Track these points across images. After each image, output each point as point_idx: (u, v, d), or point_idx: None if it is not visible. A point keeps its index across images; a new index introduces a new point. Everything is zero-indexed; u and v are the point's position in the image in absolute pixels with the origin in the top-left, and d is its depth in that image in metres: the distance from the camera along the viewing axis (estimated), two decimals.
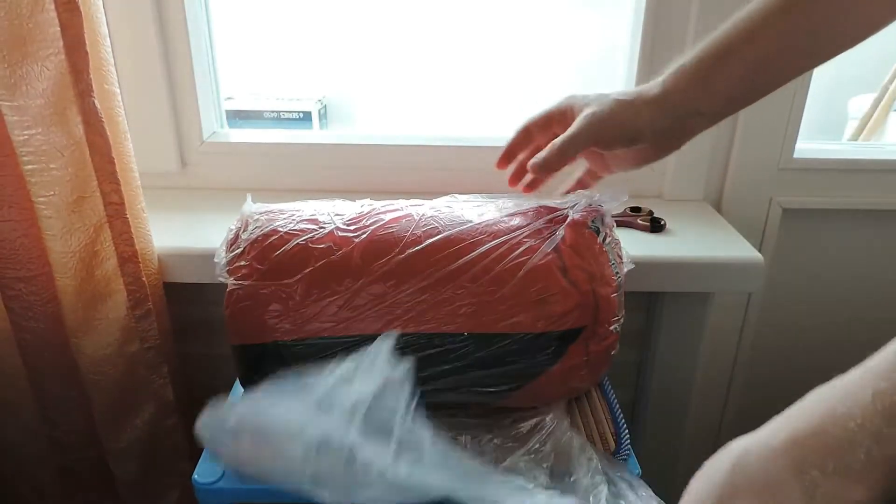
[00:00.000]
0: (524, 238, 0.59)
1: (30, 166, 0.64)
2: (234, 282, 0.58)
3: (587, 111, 0.60)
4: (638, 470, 0.60)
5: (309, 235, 0.59)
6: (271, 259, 0.58)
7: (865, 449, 0.32)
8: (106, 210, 0.70)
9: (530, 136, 0.67)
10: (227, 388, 0.72)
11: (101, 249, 0.71)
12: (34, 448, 0.81)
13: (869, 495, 0.32)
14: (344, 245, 0.58)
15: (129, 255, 0.73)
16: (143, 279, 0.75)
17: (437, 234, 0.59)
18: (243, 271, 0.58)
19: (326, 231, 0.59)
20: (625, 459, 0.61)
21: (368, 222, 0.60)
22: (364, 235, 0.59)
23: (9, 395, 0.76)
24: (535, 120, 0.66)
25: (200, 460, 0.61)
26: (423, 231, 0.59)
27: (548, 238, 0.60)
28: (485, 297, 0.57)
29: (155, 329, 0.78)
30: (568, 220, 0.61)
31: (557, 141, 0.60)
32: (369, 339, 0.56)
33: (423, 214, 0.62)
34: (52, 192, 0.66)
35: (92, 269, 0.71)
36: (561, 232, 0.60)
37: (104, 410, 0.77)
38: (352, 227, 0.60)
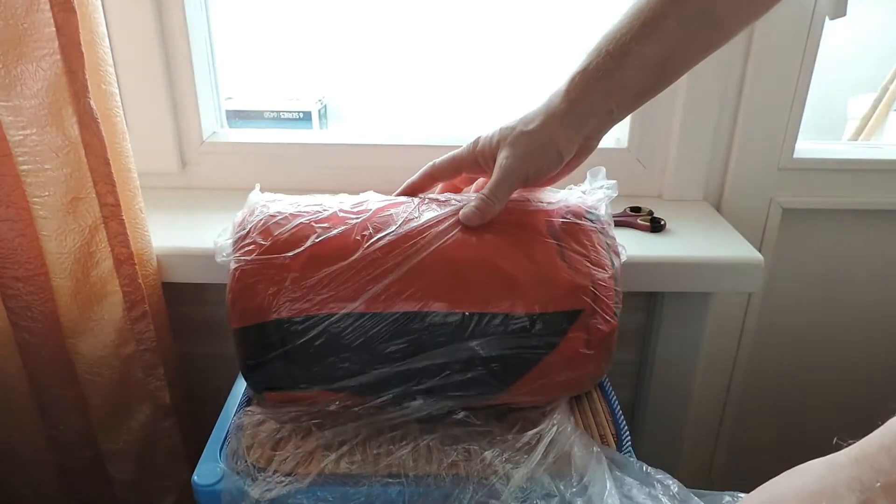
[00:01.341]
0: (524, 221, 0.61)
1: (25, 167, 0.64)
2: (238, 258, 0.59)
3: (502, 156, 0.60)
4: None
5: (312, 216, 0.61)
6: (274, 236, 0.59)
7: None
8: (101, 211, 0.70)
9: (434, 180, 0.67)
10: (227, 388, 0.71)
11: (97, 251, 0.71)
12: (33, 447, 0.81)
13: None
14: (345, 223, 0.60)
15: (125, 257, 0.73)
16: (139, 281, 0.74)
17: (438, 217, 0.60)
18: (247, 248, 0.59)
19: (330, 212, 0.61)
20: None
21: (370, 206, 0.62)
22: (365, 216, 0.61)
23: (8, 394, 0.76)
24: (441, 165, 0.66)
25: (200, 461, 0.60)
26: (422, 211, 0.61)
27: (546, 224, 0.61)
28: (483, 276, 0.58)
29: (151, 331, 0.77)
30: (566, 208, 0.63)
31: (485, 193, 0.59)
32: (368, 316, 0.57)
33: (424, 200, 0.64)
34: (47, 193, 0.65)
35: (87, 271, 0.71)
36: (559, 218, 0.62)
37: (100, 411, 0.77)
38: (355, 210, 0.62)
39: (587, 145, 0.62)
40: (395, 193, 0.68)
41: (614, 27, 0.57)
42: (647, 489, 0.55)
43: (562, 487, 0.56)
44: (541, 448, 0.59)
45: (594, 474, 0.57)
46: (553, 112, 0.59)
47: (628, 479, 0.56)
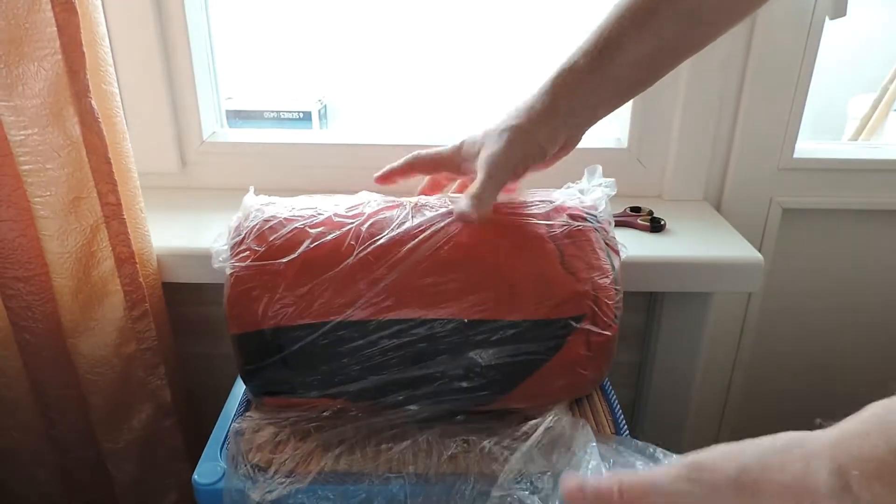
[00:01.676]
0: (524, 227, 0.60)
1: (26, 166, 0.64)
2: (234, 264, 0.59)
3: (485, 153, 0.59)
4: None
5: (307, 220, 0.60)
6: (269, 241, 0.59)
7: None
8: (103, 210, 0.70)
9: (413, 170, 0.67)
10: (227, 388, 0.71)
11: (98, 250, 0.71)
12: (33, 447, 0.81)
13: None
14: (339, 228, 0.59)
15: (126, 256, 0.73)
16: (141, 280, 0.74)
17: (434, 220, 0.60)
18: (243, 254, 0.59)
19: (324, 217, 0.61)
20: None
21: (366, 210, 0.62)
22: (360, 220, 0.60)
23: (9, 394, 0.76)
24: (423, 158, 0.66)
25: (201, 460, 0.60)
26: (417, 215, 0.60)
27: (546, 227, 0.61)
28: (482, 283, 0.57)
29: (152, 330, 0.77)
30: (566, 211, 0.63)
31: (473, 191, 0.58)
32: (364, 324, 0.57)
33: (420, 203, 0.63)
34: (48, 193, 0.66)
35: (89, 270, 0.71)
36: (559, 222, 0.61)
37: (101, 411, 0.77)
38: (349, 214, 0.61)
39: (571, 140, 0.62)
40: (374, 176, 0.68)
41: (603, 24, 0.57)
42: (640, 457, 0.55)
43: (553, 459, 0.56)
44: (538, 434, 0.59)
45: (578, 440, 0.57)
46: (537, 108, 0.59)
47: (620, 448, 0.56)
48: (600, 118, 0.61)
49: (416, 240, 0.58)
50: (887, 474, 0.31)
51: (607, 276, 0.60)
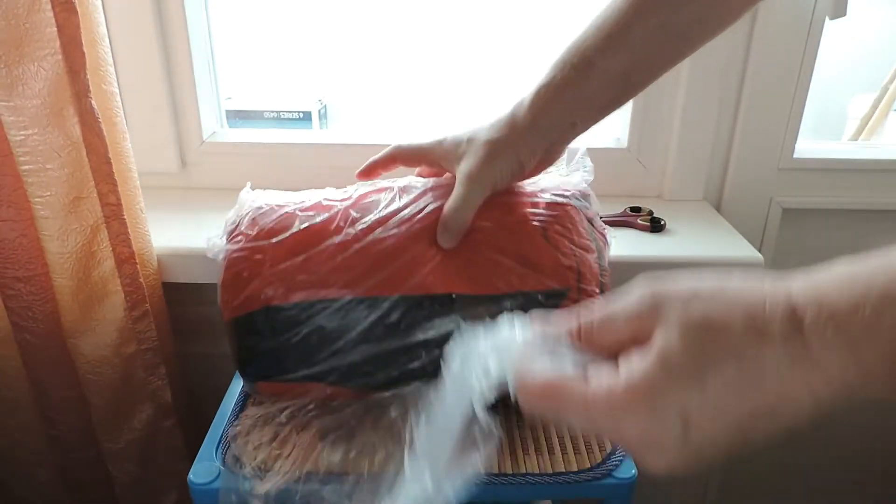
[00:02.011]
0: (507, 203, 0.62)
1: (26, 167, 0.64)
2: (227, 248, 0.60)
3: (465, 166, 0.59)
4: (633, 472, 0.60)
5: (297, 205, 0.62)
6: (260, 225, 0.60)
7: (875, 311, 0.29)
8: (103, 211, 0.70)
9: (395, 163, 0.67)
10: (226, 388, 0.71)
11: (99, 250, 0.71)
12: (33, 447, 0.81)
13: (861, 368, 0.29)
14: (328, 210, 0.61)
15: (126, 256, 0.73)
16: (141, 280, 0.74)
17: (420, 198, 0.61)
18: (236, 239, 0.61)
19: (313, 202, 0.62)
20: (620, 461, 0.61)
21: (354, 194, 0.63)
22: (348, 203, 0.62)
23: (9, 394, 0.76)
24: (405, 150, 0.66)
25: (196, 460, 0.60)
26: (404, 196, 0.62)
27: (530, 205, 0.62)
28: (467, 257, 0.59)
29: (152, 330, 0.78)
30: (550, 190, 0.64)
31: (451, 212, 0.58)
32: (354, 300, 0.57)
33: (408, 185, 0.64)
34: (48, 193, 0.66)
35: (89, 270, 0.71)
36: (543, 199, 0.63)
37: (102, 411, 0.77)
38: (338, 198, 0.63)
39: (550, 155, 0.62)
40: (357, 172, 0.68)
41: (579, 39, 0.57)
42: None
43: None
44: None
45: None
46: (517, 124, 0.59)
47: None
48: (580, 133, 0.61)
49: (401, 216, 0.59)
50: (841, 323, 0.31)
51: (590, 251, 0.61)
